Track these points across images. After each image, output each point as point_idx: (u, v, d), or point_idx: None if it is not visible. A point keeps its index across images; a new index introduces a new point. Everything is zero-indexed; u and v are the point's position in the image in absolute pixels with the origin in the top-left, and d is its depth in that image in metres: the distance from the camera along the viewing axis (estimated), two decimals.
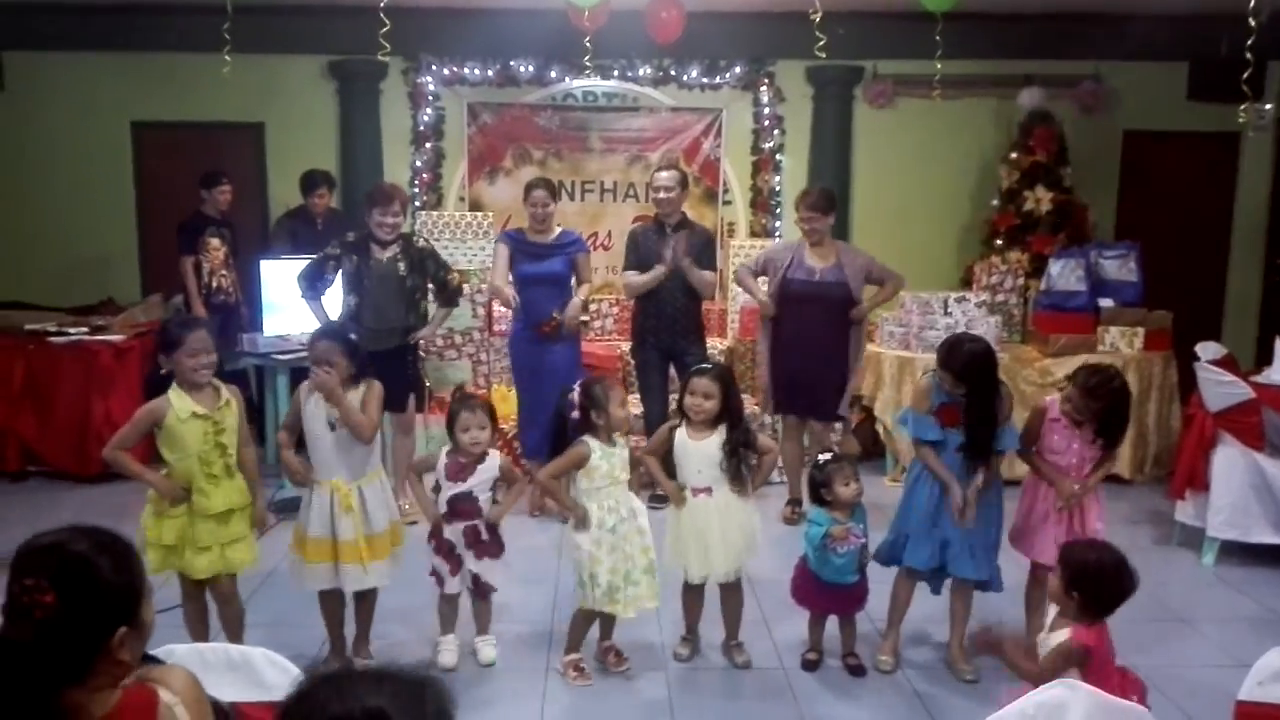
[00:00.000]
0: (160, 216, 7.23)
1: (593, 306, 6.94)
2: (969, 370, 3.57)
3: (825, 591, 3.70)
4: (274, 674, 2.00)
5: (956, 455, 3.62)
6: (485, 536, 3.71)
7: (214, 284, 6.57)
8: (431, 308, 5.44)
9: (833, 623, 3.81)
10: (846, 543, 3.59)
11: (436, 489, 3.72)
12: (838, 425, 5.60)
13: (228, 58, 5.51)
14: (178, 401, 3.35)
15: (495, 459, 3.74)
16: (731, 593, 3.83)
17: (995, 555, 3.75)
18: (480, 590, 3.77)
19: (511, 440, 5.82)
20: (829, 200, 5.31)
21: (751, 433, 3.76)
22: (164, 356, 3.38)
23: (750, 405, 6.07)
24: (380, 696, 1.22)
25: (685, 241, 5.34)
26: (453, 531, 3.68)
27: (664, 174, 5.49)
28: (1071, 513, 3.67)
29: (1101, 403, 3.57)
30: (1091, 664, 2.58)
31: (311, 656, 3.67)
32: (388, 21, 5.34)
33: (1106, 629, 2.68)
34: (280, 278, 5.80)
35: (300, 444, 3.67)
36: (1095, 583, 2.66)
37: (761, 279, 5.47)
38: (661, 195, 5.45)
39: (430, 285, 5.36)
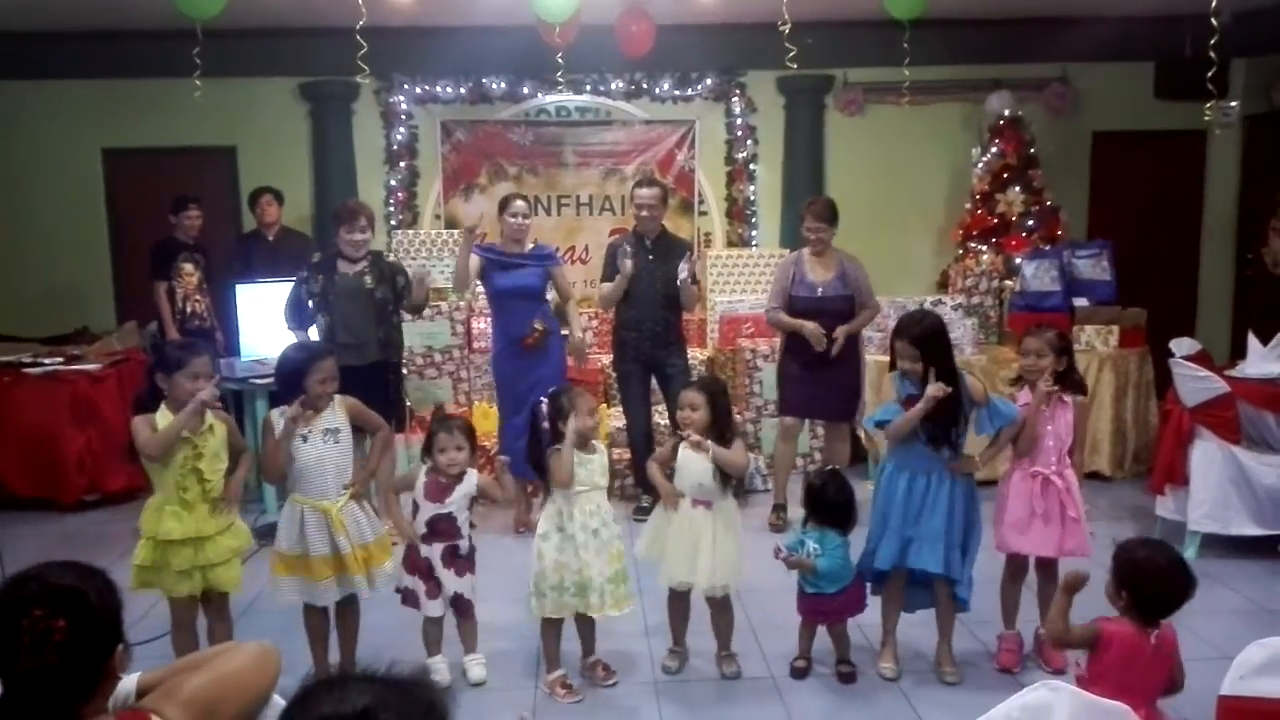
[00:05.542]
0: (134, 243, 7.20)
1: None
2: (923, 337, 3.59)
3: (808, 600, 3.76)
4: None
5: (925, 447, 3.63)
6: (463, 553, 3.72)
7: (188, 309, 6.53)
8: (406, 326, 5.41)
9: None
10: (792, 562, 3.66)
11: (414, 509, 3.72)
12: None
13: (199, 82, 5.50)
14: (162, 423, 3.34)
15: (473, 477, 3.74)
16: (721, 610, 3.83)
17: (962, 556, 3.67)
18: (462, 608, 3.77)
19: (493, 457, 5.80)
20: (834, 211, 5.39)
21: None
22: (162, 376, 3.36)
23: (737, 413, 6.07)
24: (369, 696, 1.24)
25: (690, 264, 5.40)
26: (430, 551, 3.67)
27: (645, 191, 5.51)
28: (1047, 503, 3.71)
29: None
30: (1106, 656, 2.50)
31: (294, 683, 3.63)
32: (364, 43, 5.34)
33: (1145, 638, 2.56)
34: (256, 302, 5.77)
35: None
36: (1143, 580, 2.60)
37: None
38: (644, 214, 5.47)
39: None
